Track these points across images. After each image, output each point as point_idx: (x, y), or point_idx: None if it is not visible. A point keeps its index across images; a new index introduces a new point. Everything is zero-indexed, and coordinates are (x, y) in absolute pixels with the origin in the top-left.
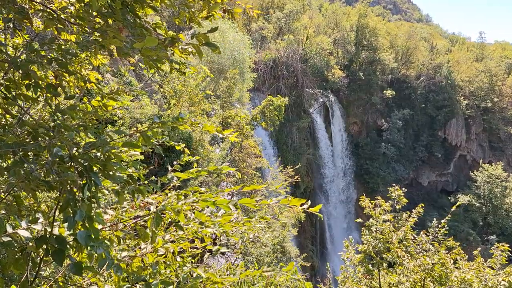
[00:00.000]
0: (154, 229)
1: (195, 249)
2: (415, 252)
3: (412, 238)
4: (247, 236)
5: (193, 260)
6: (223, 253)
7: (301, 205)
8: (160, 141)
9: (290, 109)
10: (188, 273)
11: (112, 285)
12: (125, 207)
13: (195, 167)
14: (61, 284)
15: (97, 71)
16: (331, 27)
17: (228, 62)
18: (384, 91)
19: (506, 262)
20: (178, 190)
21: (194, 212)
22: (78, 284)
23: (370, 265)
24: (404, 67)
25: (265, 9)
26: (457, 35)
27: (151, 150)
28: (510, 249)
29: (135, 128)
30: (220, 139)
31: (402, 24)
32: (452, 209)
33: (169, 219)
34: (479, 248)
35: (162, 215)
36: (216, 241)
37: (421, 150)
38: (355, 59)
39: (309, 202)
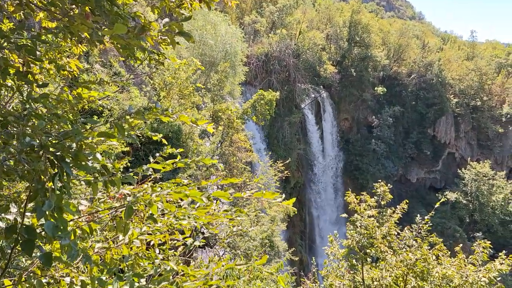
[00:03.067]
0: (126, 220)
1: (177, 241)
2: (398, 248)
3: (396, 233)
4: (231, 229)
5: (176, 253)
6: (211, 247)
7: (275, 198)
8: (138, 132)
9: (281, 104)
10: (160, 265)
11: (87, 277)
12: (102, 199)
13: (178, 159)
14: (38, 273)
15: (87, 61)
16: (324, 22)
17: (220, 55)
18: (376, 88)
19: (488, 259)
20: (161, 182)
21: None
22: (51, 275)
23: (354, 260)
24: (396, 64)
25: (259, 2)
26: (449, 33)
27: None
28: (491, 246)
29: (113, 119)
30: (210, 132)
31: (395, 21)
32: (436, 206)
33: (149, 212)
34: (461, 245)
35: (136, 207)
36: (195, 233)
37: (410, 147)
38: (348, 55)
39: (283, 196)
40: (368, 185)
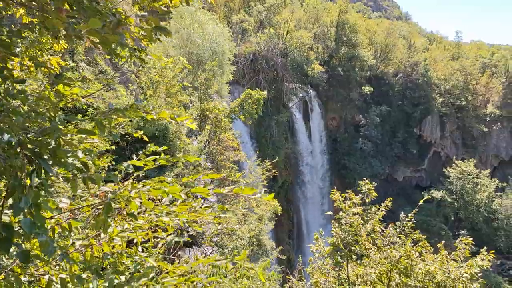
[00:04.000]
0: (105, 217)
1: (161, 239)
2: (382, 245)
3: (380, 231)
4: (216, 227)
5: (160, 251)
6: (199, 246)
7: (253, 194)
8: (121, 130)
9: (269, 103)
10: (140, 262)
11: (67, 275)
12: (84, 196)
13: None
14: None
15: (72, 59)
16: (312, 22)
17: (207, 54)
18: (363, 87)
19: (470, 255)
20: (144, 180)
21: (157, 203)
22: (30, 273)
23: (339, 258)
24: (383, 64)
25: (247, 1)
26: (435, 33)
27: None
28: (473, 243)
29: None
30: (198, 131)
31: (382, 21)
32: (420, 203)
33: (132, 210)
34: (443, 241)
35: (118, 204)
36: (179, 231)
37: (397, 146)
38: (335, 54)
39: (262, 191)
40: (355, 184)
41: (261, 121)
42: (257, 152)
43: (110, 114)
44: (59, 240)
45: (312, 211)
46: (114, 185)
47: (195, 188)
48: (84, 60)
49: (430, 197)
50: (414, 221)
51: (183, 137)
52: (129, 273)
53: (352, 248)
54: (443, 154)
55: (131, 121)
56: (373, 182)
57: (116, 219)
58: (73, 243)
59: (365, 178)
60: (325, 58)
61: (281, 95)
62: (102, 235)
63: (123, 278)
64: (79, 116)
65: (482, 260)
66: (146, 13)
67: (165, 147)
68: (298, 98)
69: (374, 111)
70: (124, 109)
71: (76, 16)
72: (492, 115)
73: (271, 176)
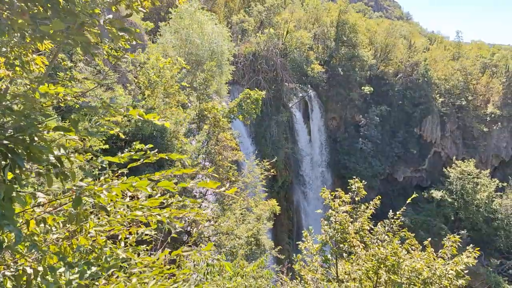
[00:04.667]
0: (75, 210)
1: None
2: (370, 242)
3: (369, 229)
4: (203, 223)
5: (148, 248)
6: (197, 246)
7: (218, 187)
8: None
9: (269, 103)
10: (112, 253)
11: (44, 265)
12: (60, 191)
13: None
14: None
15: (70, 60)
16: (312, 22)
17: (206, 54)
18: (363, 87)
19: (457, 253)
20: (133, 177)
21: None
22: (6, 265)
23: (328, 255)
24: (383, 64)
25: (247, 1)
26: (436, 33)
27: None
28: (460, 241)
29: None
30: (196, 131)
31: (382, 21)
32: (408, 201)
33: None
34: (429, 239)
35: (96, 200)
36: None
37: (397, 146)
38: (335, 54)
39: (227, 185)
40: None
41: (261, 121)
42: (256, 152)
43: (80, 111)
44: (41, 234)
45: (312, 211)
46: (91, 180)
47: (162, 182)
48: (82, 60)
49: (417, 195)
50: (413, 222)
51: (181, 137)
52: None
53: (341, 245)
54: (443, 154)
55: (129, 121)
56: (363, 181)
57: (100, 214)
58: (44, 238)
59: (355, 176)
60: (325, 58)
61: (281, 95)
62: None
63: (94, 268)
64: (73, 115)
65: (468, 257)
66: (112, 16)
67: (150, 145)
68: (298, 98)
69: (374, 111)
70: (95, 107)
71: (46, 17)
72: (493, 115)
73: (270, 176)
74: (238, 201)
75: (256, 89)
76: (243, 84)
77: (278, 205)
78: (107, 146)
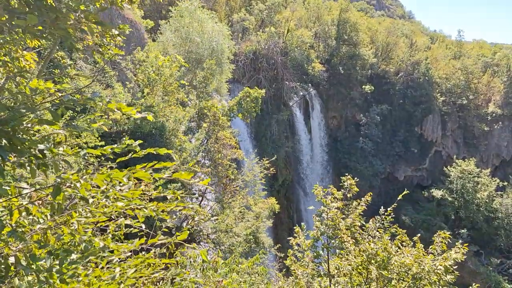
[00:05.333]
0: (53, 199)
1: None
2: (361, 238)
3: (361, 225)
4: (194, 217)
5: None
6: (197, 243)
7: (191, 177)
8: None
9: (269, 102)
10: (88, 241)
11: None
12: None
13: (138, 151)
14: None
15: (70, 57)
16: (313, 20)
17: (206, 53)
18: (363, 86)
19: (447, 249)
20: (117, 169)
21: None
22: None
23: (320, 251)
24: (384, 62)
25: (248, 0)
26: (438, 32)
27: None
28: (450, 237)
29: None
30: (196, 129)
31: (384, 20)
32: (398, 198)
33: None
34: (419, 234)
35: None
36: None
37: (398, 145)
38: (336, 53)
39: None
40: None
41: (262, 120)
42: (255, 150)
43: (61, 106)
44: (28, 226)
45: (312, 209)
46: (74, 173)
47: (137, 173)
48: (82, 58)
49: (407, 192)
50: (414, 220)
51: (180, 134)
52: (80, 251)
53: (332, 241)
54: (444, 153)
55: (128, 118)
56: (355, 178)
57: (83, 206)
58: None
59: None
60: (326, 57)
61: (281, 94)
62: (73, 222)
63: (74, 256)
64: (69, 112)
65: (456, 253)
66: (87, 10)
67: (140, 141)
68: (299, 96)
69: (375, 110)
70: (74, 100)
71: (25, 12)
72: (494, 114)
73: (270, 175)
74: (237, 199)
75: (256, 87)
76: (243, 82)
77: (278, 204)
78: (103, 143)
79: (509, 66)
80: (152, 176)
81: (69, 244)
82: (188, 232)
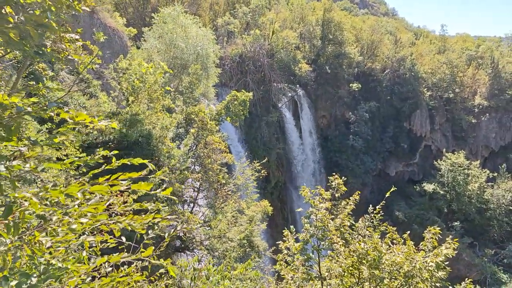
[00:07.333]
0: (4, 219)
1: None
2: (351, 238)
3: (350, 224)
4: (179, 225)
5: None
6: (191, 250)
7: (150, 190)
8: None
9: (258, 104)
10: (45, 263)
11: None
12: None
13: (114, 161)
14: None
15: (52, 69)
16: (297, 21)
17: (192, 58)
18: (351, 84)
19: (437, 245)
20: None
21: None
22: None
23: (311, 253)
24: (370, 60)
25: (231, 4)
26: (422, 28)
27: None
28: (440, 232)
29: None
30: (184, 135)
31: (368, 18)
32: (387, 195)
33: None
34: (408, 232)
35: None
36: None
37: (388, 142)
38: (322, 53)
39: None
40: (348, 181)
41: (251, 123)
42: (245, 153)
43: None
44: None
45: (305, 210)
46: (36, 189)
47: (94, 187)
48: (64, 69)
49: (394, 189)
50: (407, 216)
51: (168, 141)
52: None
53: (322, 243)
54: (433, 147)
55: (113, 128)
56: (342, 177)
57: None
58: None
59: (334, 174)
60: (312, 57)
61: (269, 96)
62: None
63: (34, 280)
64: (48, 124)
65: (447, 248)
66: (28, 12)
67: (115, 151)
68: (287, 97)
69: (363, 107)
70: (28, 112)
71: None
72: (480, 106)
73: (261, 177)
74: (230, 203)
75: (243, 90)
76: (231, 86)
77: (271, 206)
78: (84, 155)
79: (493, 58)
80: (110, 189)
81: (29, 266)
82: (153, 248)
